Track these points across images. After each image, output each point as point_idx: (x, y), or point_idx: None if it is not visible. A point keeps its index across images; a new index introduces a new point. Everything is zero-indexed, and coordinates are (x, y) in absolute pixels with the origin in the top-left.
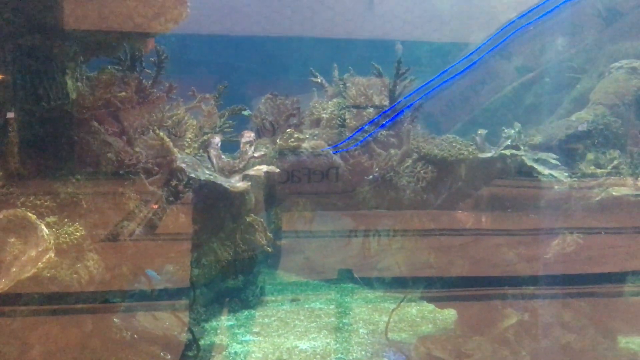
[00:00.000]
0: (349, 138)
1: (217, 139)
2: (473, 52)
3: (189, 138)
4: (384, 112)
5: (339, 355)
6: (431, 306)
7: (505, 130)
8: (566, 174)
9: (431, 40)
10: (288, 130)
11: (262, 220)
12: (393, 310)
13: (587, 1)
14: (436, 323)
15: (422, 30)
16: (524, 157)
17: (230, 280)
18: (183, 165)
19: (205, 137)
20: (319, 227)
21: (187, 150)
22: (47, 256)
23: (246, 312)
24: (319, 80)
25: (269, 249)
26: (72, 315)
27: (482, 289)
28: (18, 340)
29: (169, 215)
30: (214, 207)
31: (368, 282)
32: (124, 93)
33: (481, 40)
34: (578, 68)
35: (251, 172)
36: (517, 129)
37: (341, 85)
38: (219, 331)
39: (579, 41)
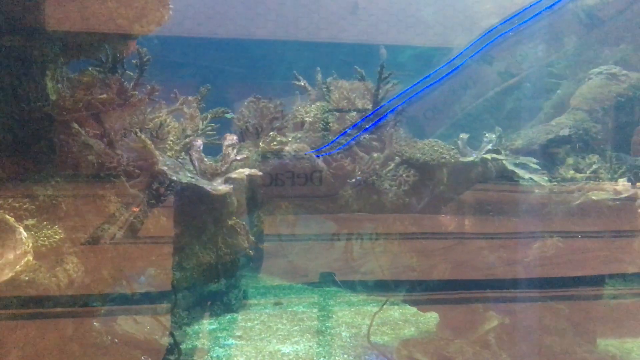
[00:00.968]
0: (332, 142)
1: (199, 142)
2: (456, 57)
3: (171, 141)
4: (367, 116)
5: (322, 358)
6: (414, 309)
7: (487, 135)
8: (546, 178)
9: (415, 45)
10: (271, 133)
11: (244, 223)
12: (375, 313)
13: (568, 8)
14: (418, 326)
15: (406, 35)
16: (505, 162)
17: (213, 283)
18: (165, 168)
19: (187, 140)
20: (302, 231)
21: (169, 153)
22: (26, 259)
23: (229, 316)
24: (303, 84)
25: (251, 252)
26: (51, 319)
27: (464, 292)
28: None
29: (150, 218)
30: (196, 210)
31: (351, 286)
32: (105, 95)
33: (464, 45)
34: (558, 74)
35: (233, 175)
36: (498, 134)
37: (324, 89)
38: (201, 335)
39: (560, 47)
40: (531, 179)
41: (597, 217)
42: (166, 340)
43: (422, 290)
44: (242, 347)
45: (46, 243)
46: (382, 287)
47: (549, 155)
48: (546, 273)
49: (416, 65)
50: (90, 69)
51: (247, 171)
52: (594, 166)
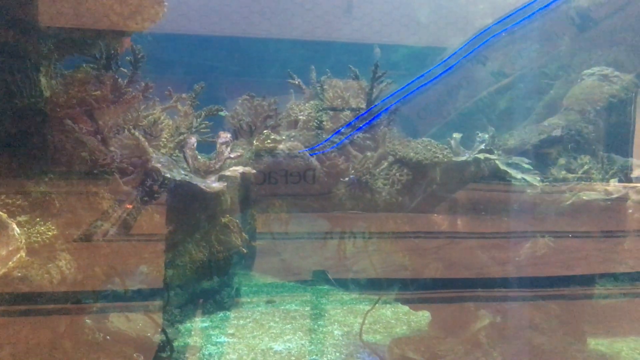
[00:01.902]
0: (325, 140)
1: (193, 140)
2: (450, 56)
3: (165, 138)
4: (360, 115)
5: (314, 356)
6: (406, 308)
7: (480, 135)
8: (538, 178)
9: (409, 44)
10: (265, 131)
11: (237, 221)
12: (367, 311)
13: (561, 9)
14: (410, 325)
15: (400, 34)
16: (497, 161)
17: (205, 281)
18: (158, 165)
19: (181, 138)
20: (295, 229)
21: (163, 151)
22: (18, 255)
23: (221, 314)
24: (297, 82)
25: (244, 250)
26: (43, 315)
27: (455, 291)
28: None
29: (143, 215)
30: (189, 207)
31: (343, 284)
32: (99, 92)
33: (458, 45)
34: (551, 74)
35: (227, 172)
36: (490, 133)
37: (318, 88)
38: (193, 332)
39: (553, 48)
40: (523, 178)
41: (589, 217)
42: (158, 338)
43: (415, 289)
44: (235, 345)
45: (39, 239)
46: (375, 285)
47: (541, 156)
48: (537, 272)
49: (410, 65)
50: (84, 65)
51: (240, 169)
52: (586, 167)
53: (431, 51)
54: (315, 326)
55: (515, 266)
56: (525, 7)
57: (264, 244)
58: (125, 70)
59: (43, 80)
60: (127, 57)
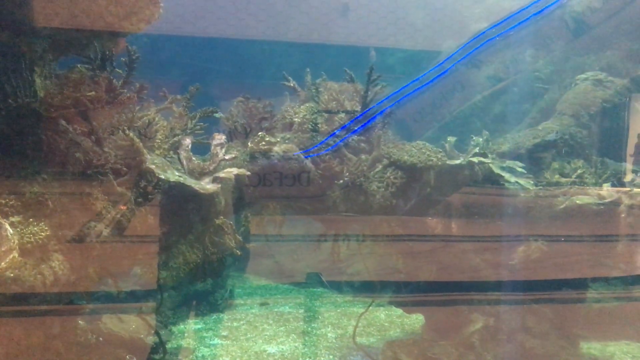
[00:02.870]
0: (320, 143)
1: (187, 141)
2: (444, 60)
3: (159, 139)
4: (355, 118)
5: (307, 359)
6: (399, 311)
7: (474, 138)
8: (532, 182)
9: (404, 48)
10: (259, 133)
11: (231, 223)
12: (361, 314)
13: (555, 14)
14: (404, 328)
15: (396, 38)
16: (491, 165)
17: (199, 283)
18: (152, 167)
19: (175, 139)
20: (289, 231)
21: (157, 152)
22: (11, 256)
23: (214, 316)
24: (292, 85)
25: (238, 252)
26: (35, 316)
27: (449, 295)
28: None
29: (137, 216)
30: (183, 209)
31: (337, 287)
32: (93, 92)
33: (453, 49)
34: (545, 79)
35: (221, 174)
36: (485, 137)
37: (313, 90)
38: (186, 334)
39: (547, 53)
40: (517, 182)
41: (582, 221)
42: (151, 340)
43: (408, 292)
44: (228, 347)
45: (32, 240)
46: (369, 288)
47: (535, 160)
48: (530, 276)
49: (405, 68)
50: (79, 66)
51: (235, 171)
52: (579, 171)
53: (426, 55)
54: (309, 328)
55: (509, 270)
56: (520, 11)
57: (258, 246)
58: (120, 71)
59: (38, 80)
60: (122, 58)
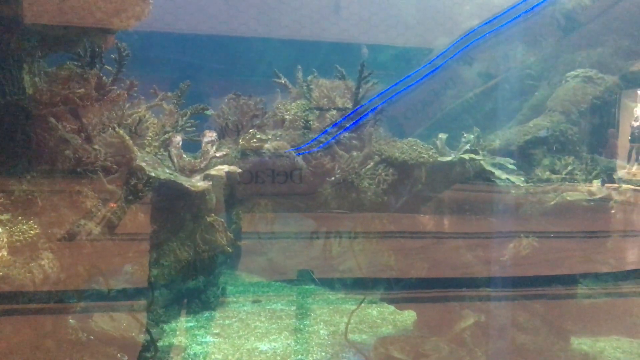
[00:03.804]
0: (312, 140)
1: (178, 138)
2: (436, 57)
3: (150, 137)
4: (347, 115)
5: (299, 356)
6: (391, 308)
7: (465, 135)
8: (523, 179)
9: (396, 45)
10: (251, 130)
11: (222, 220)
12: (353, 311)
13: (546, 11)
14: (396, 324)
15: (387, 35)
16: (482, 162)
17: (191, 281)
18: (143, 164)
19: (166, 136)
20: (281, 228)
21: (148, 149)
22: (0, 254)
23: (206, 313)
24: (283, 82)
25: (230, 249)
26: (25, 315)
27: (441, 291)
28: None
29: (127, 214)
30: (174, 206)
31: (329, 284)
32: (83, 90)
33: (444, 46)
34: (536, 76)
35: (212, 171)
36: (476, 134)
37: (305, 87)
38: (178, 332)
39: (538, 50)
40: (508, 179)
41: (572, 217)
42: (143, 338)
43: (400, 289)
44: (220, 345)
45: (21, 238)
46: (361, 285)
47: (525, 156)
48: (521, 272)
49: (397, 65)
50: (68, 63)
51: (226, 168)
52: (570, 167)
53: (418, 52)
54: (301, 326)
55: (500, 266)
56: (511, 9)
57: (250, 244)
58: (110, 68)
59: (26, 77)
60: (111, 55)
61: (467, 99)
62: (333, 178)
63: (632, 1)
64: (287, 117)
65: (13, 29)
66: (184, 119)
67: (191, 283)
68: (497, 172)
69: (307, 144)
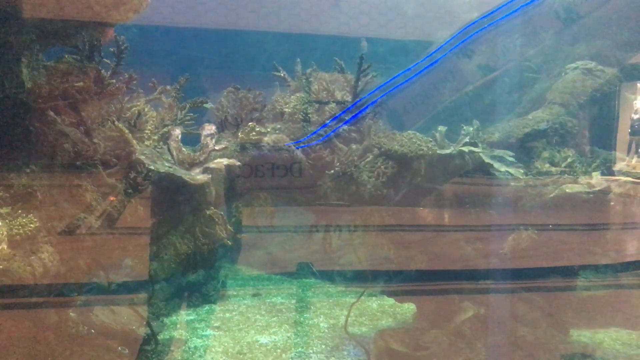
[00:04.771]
0: (312, 134)
1: (177, 131)
2: (436, 50)
3: (149, 130)
4: (347, 109)
5: (300, 349)
6: (391, 300)
7: (464, 128)
8: (522, 171)
9: (395, 38)
10: (250, 124)
11: (222, 213)
12: (353, 304)
13: (546, 3)
14: (396, 317)
15: (387, 28)
16: (481, 154)
17: (191, 274)
18: (142, 157)
19: (165, 130)
20: (280, 222)
21: (147, 143)
22: (0, 248)
23: (207, 307)
24: (282, 75)
25: (229, 243)
26: (25, 308)
27: (440, 284)
28: None
29: (127, 207)
30: (174, 199)
31: (329, 277)
32: (81, 83)
33: (444, 39)
34: (536, 68)
35: (212, 165)
36: (475, 127)
37: (304, 80)
38: (178, 326)
39: (538, 42)
40: (507, 171)
41: (571, 210)
42: (143, 331)
43: (400, 282)
44: (220, 338)
45: (21, 232)
46: (360, 278)
47: (525, 149)
48: (521, 264)
49: (396, 58)
50: (67, 56)
51: (225, 161)
52: (569, 160)
53: (417, 45)
54: (301, 319)
55: (499, 259)
56: (510, 1)
57: (250, 237)
58: (109, 62)
59: (25, 71)
60: (110, 49)
61: (467, 92)
62: (332, 171)
63: None
64: (286, 110)
65: (11, 23)
66: (183, 112)
67: (191, 276)
68: (497, 165)
69: (307, 137)
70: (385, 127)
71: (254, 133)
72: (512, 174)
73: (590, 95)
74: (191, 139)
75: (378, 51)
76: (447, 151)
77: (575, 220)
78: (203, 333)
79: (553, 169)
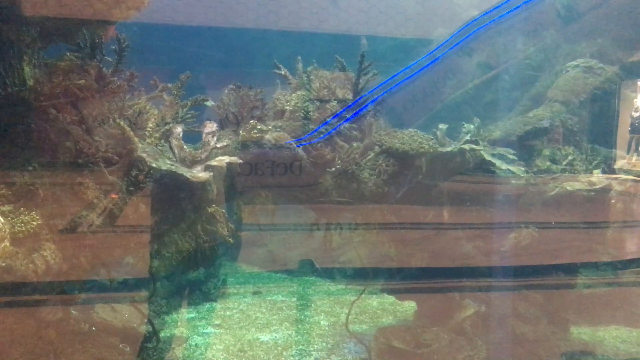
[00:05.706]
0: (313, 132)
1: (179, 129)
2: (436, 48)
3: (150, 128)
4: (348, 107)
5: (300, 346)
6: (392, 298)
7: (465, 125)
8: (523, 169)
9: (395, 36)
10: (251, 121)
11: (223, 211)
12: (353, 302)
13: (546, 1)
14: (396, 315)
15: (387, 26)
16: (482, 152)
17: (192, 272)
18: (144, 155)
19: (166, 127)
20: (281, 219)
21: (148, 140)
22: (2, 245)
23: (207, 305)
24: (283, 73)
25: (231, 240)
26: (28, 306)
27: (441, 282)
28: None
29: (129, 205)
30: (175, 197)
31: (330, 275)
32: (83, 81)
33: (444, 37)
34: (536, 66)
35: (213, 162)
36: (476, 124)
37: (305, 78)
38: (179, 323)
39: (538, 40)
40: (508, 169)
41: (572, 207)
42: (144, 328)
43: (401, 280)
44: (221, 336)
45: (23, 229)
46: (361, 276)
47: (526, 147)
48: (521, 262)
49: (397, 56)
50: (68, 54)
51: (227, 159)
52: (570, 158)
53: (418, 43)
54: (302, 317)
55: (500, 256)
56: None
57: (251, 235)
58: (110, 60)
59: (27, 69)
60: (112, 46)
61: (467, 90)
62: (333, 169)
63: None
64: (287, 108)
65: (13, 21)
66: (185, 110)
67: (192, 274)
68: (498, 163)
69: (308, 135)
70: (386, 125)
71: (255, 131)
72: (513, 172)
73: (590, 93)
74: (192, 137)
75: (378, 49)
76: (448, 149)
77: (576, 218)
78: (204, 331)
79: (554, 166)
